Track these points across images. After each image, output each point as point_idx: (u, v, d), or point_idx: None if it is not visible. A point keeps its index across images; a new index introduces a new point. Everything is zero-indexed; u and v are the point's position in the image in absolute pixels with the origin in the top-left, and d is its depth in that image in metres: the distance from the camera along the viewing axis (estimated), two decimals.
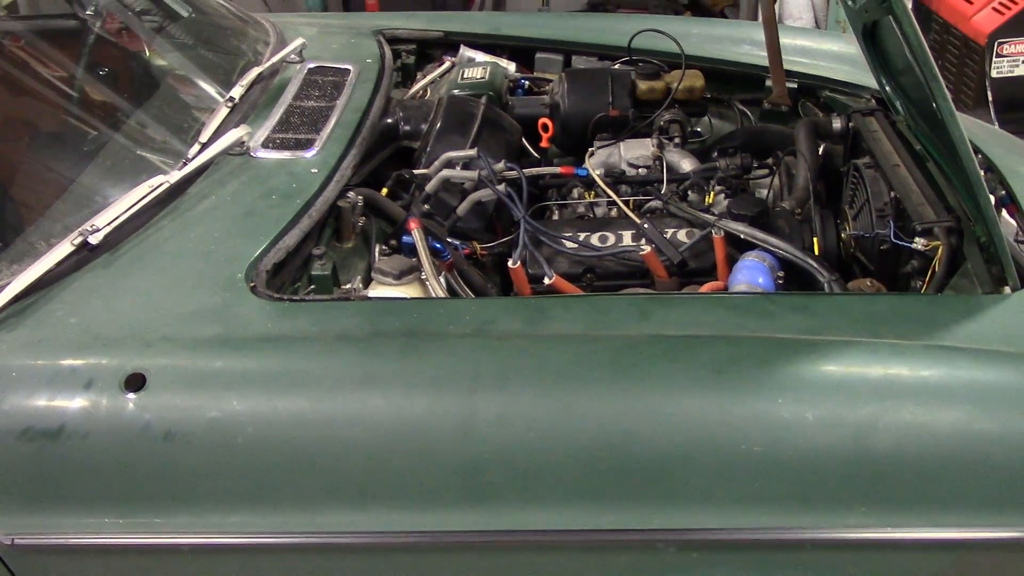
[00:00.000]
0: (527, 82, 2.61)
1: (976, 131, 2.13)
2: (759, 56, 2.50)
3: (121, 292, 1.54)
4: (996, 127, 3.41)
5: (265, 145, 1.94)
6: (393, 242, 1.90)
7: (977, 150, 1.96)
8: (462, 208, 2.00)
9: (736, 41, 2.71)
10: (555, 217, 2.14)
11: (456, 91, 2.39)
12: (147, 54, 2.34)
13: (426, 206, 1.98)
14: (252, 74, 2.14)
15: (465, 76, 2.47)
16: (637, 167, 2.24)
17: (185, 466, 1.36)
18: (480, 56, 2.67)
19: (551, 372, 1.39)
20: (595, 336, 1.45)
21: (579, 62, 2.70)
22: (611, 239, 1.97)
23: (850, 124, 2.16)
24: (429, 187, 2.01)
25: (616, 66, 2.52)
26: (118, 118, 1.98)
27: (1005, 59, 3.80)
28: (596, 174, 2.15)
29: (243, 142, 1.91)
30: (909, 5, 1.64)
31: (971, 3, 3.93)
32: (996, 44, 3.78)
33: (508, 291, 1.94)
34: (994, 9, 3.83)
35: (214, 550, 1.41)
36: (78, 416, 1.36)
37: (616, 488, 1.35)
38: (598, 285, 1.94)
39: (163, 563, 1.43)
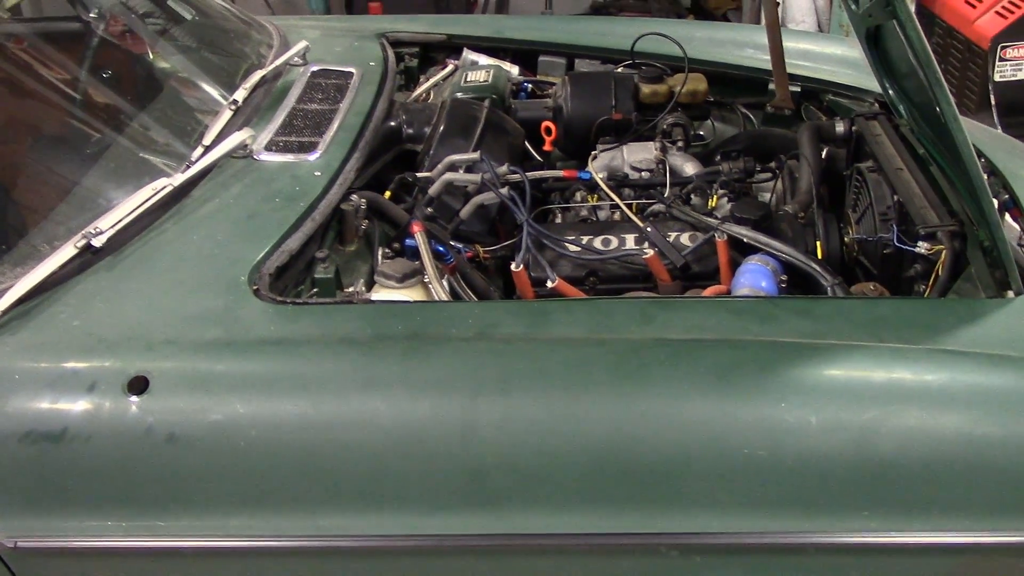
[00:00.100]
0: (530, 85, 2.61)
1: (979, 135, 2.13)
2: (762, 60, 2.50)
3: (124, 295, 1.54)
4: (999, 131, 3.42)
5: (268, 148, 1.94)
6: (396, 245, 1.90)
7: (980, 154, 1.95)
8: (465, 211, 2.00)
9: (739, 45, 2.71)
10: (558, 220, 2.14)
11: (459, 94, 2.39)
12: (150, 57, 2.34)
13: (429, 209, 1.99)
14: (255, 77, 2.15)
15: (468, 79, 2.47)
16: (640, 170, 2.24)
17: (188, 469, 1.36)
18: (483, 59, 2.67)
19: (554, 375, 1.39)
20: (598, 340, 1.45)
21: (582, 65, 2.70)
22: (614, 242, 1.97)
23: (853, 128, 2.16)
24: (432, 190, 2.01)
25: (619, 69, 2.52)
26: (121, 121, 1.99)
27: (1008, 63, 3.80)
28: (599, 177, 2.15)
29: (246, 145, 1.91)
30: (912, 9, 1.64)
31: (974, 7, 3.92)
32: (999, 48, 3.78)
33: (511, 294, 1.94)
34: (997, 13, 3.83)
35: (216, 553, 1.41)
36: (81, 419, 1.36)
37: (619, 492, 1.35)
38: (601, 288, 1.94)
39: (165, 566, 1.43)
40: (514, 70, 2.65)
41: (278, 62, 2.24)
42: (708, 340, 1.44)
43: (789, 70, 2.43)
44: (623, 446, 1.34)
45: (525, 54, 2.74)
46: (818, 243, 1.94)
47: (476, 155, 2.06)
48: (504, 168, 2.05)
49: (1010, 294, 1.55)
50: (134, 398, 1.37)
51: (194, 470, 1.36)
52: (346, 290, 1.72)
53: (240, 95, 2.07)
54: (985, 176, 1.63)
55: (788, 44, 2.44)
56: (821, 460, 1.33)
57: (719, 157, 2.26)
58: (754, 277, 1.78)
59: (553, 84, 2.57)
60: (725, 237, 1.87)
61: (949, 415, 1.35)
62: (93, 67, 2.23)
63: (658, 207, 2.07)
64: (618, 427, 1.35)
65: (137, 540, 1.38)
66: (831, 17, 4.98)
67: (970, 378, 1.39)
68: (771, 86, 2.48)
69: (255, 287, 1.55)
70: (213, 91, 2.17)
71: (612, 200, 2.11)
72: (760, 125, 2.52)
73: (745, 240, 1.87)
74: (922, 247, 1.69)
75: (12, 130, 1.98)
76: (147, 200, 1.69)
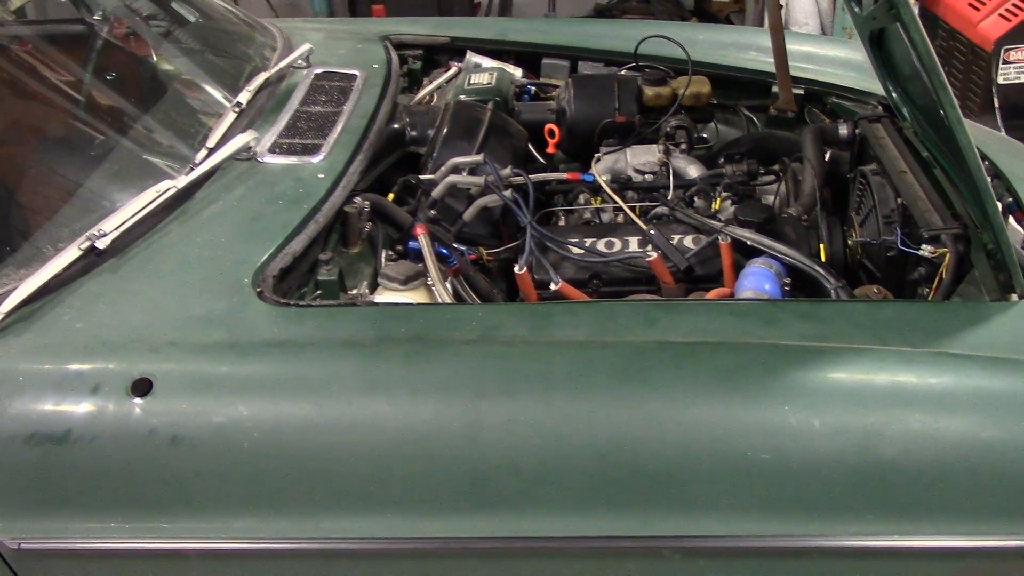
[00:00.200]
0: (533, 88, 2.62)
1: (983, 137, 2.13)
2: (765, 62, 2.50)
3: (128, 297, 1.54)
4: (1003, 133, 3.42)
5: (272, 150, 1.94)
6: (399, 247, 1.90)
7: (984, 156, 1.95)
8: (468, 214, 2.00)
9: (742, 47, 2.71)
10: (561, 223, 2.14)
11: (463, 96, 2.39)
12: (154, 59, 2.34)
13: (432, 212, 1.99)
14: (259, 79, 2.15)
15: (472, 82, 2.47)
16: (643, 173, 2.24)
17: (191, 471, 1.36)
18: (487, 62, 2.67)
19: (557, 378, 1.39)
20: (601, 342, 1.45)
21: (585, 68, 2.70)
22: (617, 245, 1.97)
23: (857, 130, 2.16)
24: (435, 193, 2.01)
25: (622, 72, 2.52)
26: (125, 123, 1.99)
27: (1012, 65, 3.79)
28: (602, 180, 2.15)
29: (250, 147, 1.91)
30: (916, 12, 1.64)
31: (978, 9, 3.92)
32: (1003, 50, 3.77)
33: (514, 297, 1.94)
34: (1001, 16, 3.82)
35: (219, 555, 1.41)
36: (84, 421, 1.36)
37: (622, 494, 1.34)
38: (604, 291, 1.94)
39: (168, 568, 1.43)
40: (517, 72, 2.65)
41: (282, 64, 2.24)
42: (711, 343, 1.44)
43: (792, 73, 2.43)
44: (626, 449, 1.34)
45: (528, 56, 2.74)
46: (822, 246, 1.94)
47: (480, 157, 2.05)
48: (507, 170, 2.05)
49: (1014, 297, 1.55)
50: (138, 400, 1.37)
51: (198, 472, 1.36)
52: (349, 292, 1.72)
53: (244, 97, 2.07)
54: (989, 179, 1.63)
55: (791, 47, 2.44)
56: (824, 463, 1.32)
57: (722, 160, 2.25)
58: (758, 280, 1.78)
59: (556, 86, 2.57)
60: (728, 240, 1.87)
61: (953, 418, 1.35)
62: (97, 69, 2.23)
63: (661, 210, 2.07)
64: (621, 430, 1.35)
65: (140, 542, 1.38)
66: (834, 20, 4.98)
67: (974, 381, 1.39)
68: (774, 89, 2.48)
69: (259, 289, 1.55)
70: (217, 93, 2.17)
71: (615, 203, 2.11)
72: (763, 128, 2.52)
73: (748, 243, 1.87)
74: (926, 250, 1.69)
75: (16, 132, 1.98)
76: (151, 202, 1.69)
